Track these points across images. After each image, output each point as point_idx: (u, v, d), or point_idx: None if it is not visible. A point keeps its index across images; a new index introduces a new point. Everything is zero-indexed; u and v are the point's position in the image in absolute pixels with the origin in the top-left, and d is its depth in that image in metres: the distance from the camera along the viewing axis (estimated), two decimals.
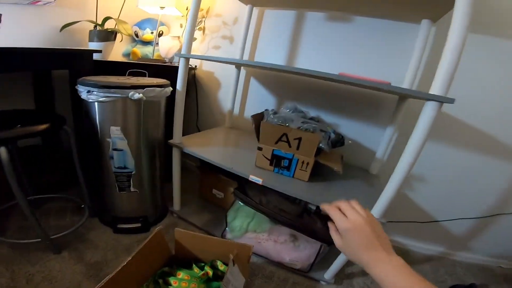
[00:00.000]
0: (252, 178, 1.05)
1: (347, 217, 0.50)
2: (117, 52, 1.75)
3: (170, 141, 1.29)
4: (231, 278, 0.90)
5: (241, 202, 1.17)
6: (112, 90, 0.97)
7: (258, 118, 1.15)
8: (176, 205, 1.47)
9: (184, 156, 1.32)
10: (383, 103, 1.32)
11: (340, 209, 0.53)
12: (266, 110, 1.22)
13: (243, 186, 1.21)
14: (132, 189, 1.20)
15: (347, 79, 0.82)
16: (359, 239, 0.49)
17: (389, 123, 1.26)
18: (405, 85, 1.17)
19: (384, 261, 0.46)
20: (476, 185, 1.29)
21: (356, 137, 1.41)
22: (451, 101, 0.71)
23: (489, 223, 1.34)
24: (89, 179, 1.28)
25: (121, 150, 1.09)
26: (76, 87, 1.04)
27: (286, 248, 1.20)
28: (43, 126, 0.94)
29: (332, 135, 1.12)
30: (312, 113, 1.49)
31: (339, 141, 1.13)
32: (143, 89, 1.02)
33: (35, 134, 0.90)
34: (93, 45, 1.49)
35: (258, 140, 1.13)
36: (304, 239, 1.19)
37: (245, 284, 1.01)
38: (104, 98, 0.98)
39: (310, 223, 1.12)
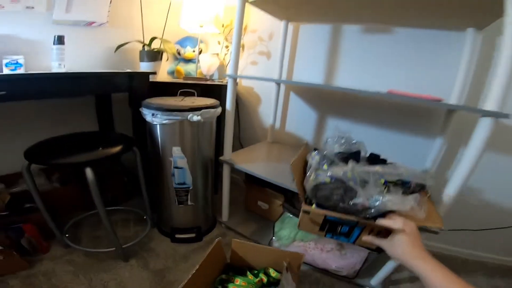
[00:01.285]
0: None
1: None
2: (162, 70, 1.83)
3: (221, 158, 1.38)
4: (285, 283, 0.94)
5: (291, 214, 1.23)
6: (174, 113, 1.08)
7: (299, 168, 0.95)
8: (225, 216, 1.57)
9: (231, 170, 1.39)
10: (430, 114, 1.32)
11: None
12: (306, 144, 1.14)
13: (291, 199, 1.27)
14: (189, 202, 1.31)
15: (397, 98, 0.85)
16: (410, 239, 0.64)
17: (438, 134, 1.25)
18: (454, 96, 1.15)
19: (428, 259, 0.59)
20: None
21: (403, 149, 1.42)
22: (506, 116, 0.73)
23: None
24: (151, 194, 1.40)
25: (181, 168, 1.21)
26: (140, 109, 1.16)
27: (333, 256, 1.23)
28: (118, 148, 1.07)
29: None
30: (357, 127, 1.51)
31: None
32: (200, 111, 1.12)
33: (113, 156, 1.03)
34: (144, 65, 1.60)
35: (303, 199, 0.88)
36: (351, 247, 1.20)
37: None
38: (167, 121, 1.09)
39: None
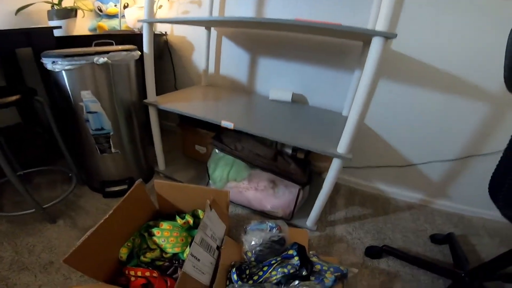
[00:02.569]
0: (224, 123, 1.12)
1: None
2: (83, 28, 1.75)
3: (145, 100, 1.33)
4: (208, 223, 0.93)
5: (217, 149, 1.24)
6: (76, 58, 1.01)
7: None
8: (161, 165, 1.55)
9: (164, 118, 1.36)
10: (349, 49, 1.36)
11: None
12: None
13: (219, 135, 1.28)
14: (113, 150, 1.26)
15: (301, 23, 0.87)
16: None
17: (356, 67, 1.31)
18: (370, 25, 1.17)
19: None
20: (449, 127, 1.32)
21: (327, 83, 1.47)
22: (394, 36, 0.77)
23: (463, 167, 1.38)
24: (71, 147, 1.32)
25: (96, 112, 1.14)
26: (41, 60, 1.07)
27: (267, 195, 1.26)
28: (14, 97, 0.99)
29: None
30: (286, 65, 1.55)
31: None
32: (108, 54, 1.05)
33: (7, 104, 0.95)
34: (53, 23, 1.49)
35: None
36: (282, 185, 1.24)
37: (226, 231, 1.04)
38: (69, 66, 1.01)
39: (284, 165, 1.19)
